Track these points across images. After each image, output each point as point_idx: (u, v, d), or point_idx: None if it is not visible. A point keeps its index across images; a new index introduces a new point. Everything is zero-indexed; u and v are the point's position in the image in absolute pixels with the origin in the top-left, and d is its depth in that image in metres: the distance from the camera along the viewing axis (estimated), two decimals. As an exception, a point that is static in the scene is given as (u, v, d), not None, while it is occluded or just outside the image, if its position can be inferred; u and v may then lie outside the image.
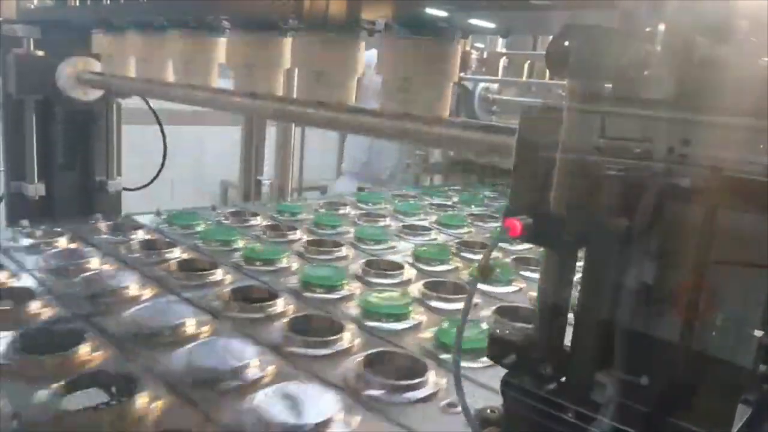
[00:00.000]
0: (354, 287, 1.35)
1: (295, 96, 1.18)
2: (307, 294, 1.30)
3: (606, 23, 0.61)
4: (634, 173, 0.60)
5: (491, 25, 1.09)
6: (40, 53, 1.78)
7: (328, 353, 1.04)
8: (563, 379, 0.65)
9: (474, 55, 3.01)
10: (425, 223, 1.98)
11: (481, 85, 2.83)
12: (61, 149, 1.89)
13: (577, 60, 0.57)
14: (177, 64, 1.43)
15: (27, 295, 1.18)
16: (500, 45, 3.05)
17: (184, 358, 0.97)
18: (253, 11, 1.16)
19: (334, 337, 1.07)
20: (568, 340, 0.66)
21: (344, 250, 1.61)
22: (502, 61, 2.81)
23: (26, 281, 1.26)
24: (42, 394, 0.85)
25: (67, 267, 1.34)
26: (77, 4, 1.62)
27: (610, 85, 0.62)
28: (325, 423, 0.81)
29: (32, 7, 1.77)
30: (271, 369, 0.97)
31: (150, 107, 2.07)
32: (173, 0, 1.35)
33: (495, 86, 2.89)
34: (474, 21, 1.09)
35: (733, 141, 0.59)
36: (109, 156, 1.95)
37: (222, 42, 1.33)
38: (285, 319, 1.13)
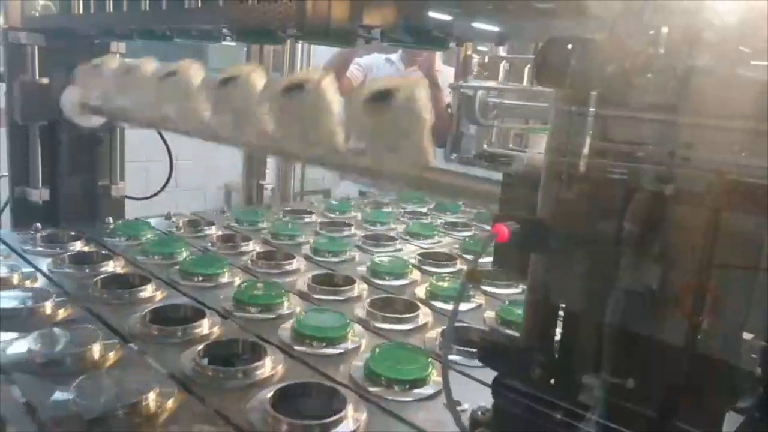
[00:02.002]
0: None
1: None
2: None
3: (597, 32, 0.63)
4: (621, 177, 0.62)
5: (493, 29, 1.10)
6: (45, 80, 1.80)
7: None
8: (552, 381, 0.66)
9: (476, 59, 3.02)
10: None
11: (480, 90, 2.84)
12: (65, 154, 1.91)
13: (563, 70, 0.59)
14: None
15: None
16: (502, 48, 3.06)
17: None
18: (255, 16, 1.17)
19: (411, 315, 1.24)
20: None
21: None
22: (503, 66, 2.82)
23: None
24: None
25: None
26: (81, 12, 1.64)
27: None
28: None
29: (36, 14, 1.79)
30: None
31: (163, 138, 2.08)
32: (175, 8, 1.36)
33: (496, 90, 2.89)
34: (471, 28, 1.11)
35: (722, 145, 0.61)
36: (112, 161, 1.97)
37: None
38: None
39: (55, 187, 1.89)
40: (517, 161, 0.68)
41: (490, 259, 0.71)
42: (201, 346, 1.03)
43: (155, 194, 2.14)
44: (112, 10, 1.51)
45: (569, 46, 0.58)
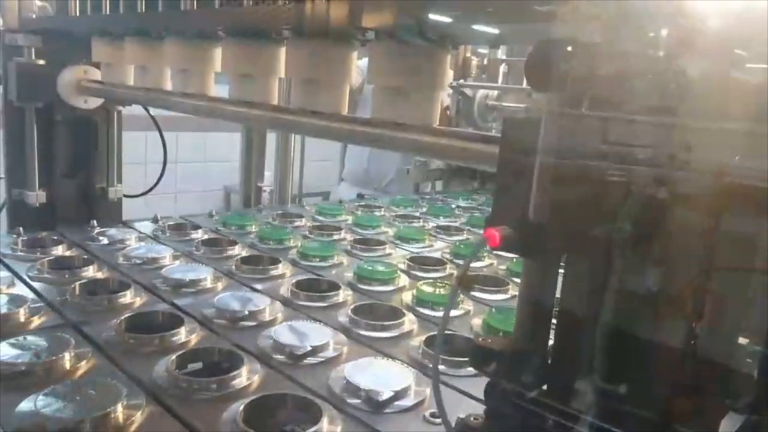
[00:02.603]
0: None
1: (289, 104, 1.20)
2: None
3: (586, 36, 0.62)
4: (615, 180, 0.61)
5: (491, 31, 1.10)
6: (41, 62, 1.79)
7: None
8: (545, 386, 0.66)
9: (474, 61, 3.02)
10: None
11: (481, 91, 2.84)
12: (62, 157, 1.90)
13: (556, 74, 0.58)
14: (174, 73, 1.45)
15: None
16: (501, 51, 3.06)
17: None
18: (253, 18, 1.17)
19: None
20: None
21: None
22: (502, 68, 2.82)
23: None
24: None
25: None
26: (78, 13, 1.64)
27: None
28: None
29: (33, 16, 1.79)
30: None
31: (150, 115, 2.08)
32: (172, 9, 1.36)
33: (494, 93, 2.89)
34: (469, 30, 1.10)
35: (720, 147, 0.60)
36: (110, 163, 1.96)
37: (219, 50, 1.35)
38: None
39: (51, 189, 1.88)
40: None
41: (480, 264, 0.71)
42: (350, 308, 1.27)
43: (149, 190, 2.13)
44: (108, 12, 1.51)
45: (559, 48, 0.58)
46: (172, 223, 1.90)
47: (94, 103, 1.86)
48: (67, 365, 0.99)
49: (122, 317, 1.15)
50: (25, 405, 0.86)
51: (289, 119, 1.20)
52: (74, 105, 1.83)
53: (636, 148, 0.59)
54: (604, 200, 0.61)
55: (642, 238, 0.61)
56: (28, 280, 1.36)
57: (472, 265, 1.67)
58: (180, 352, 1.04)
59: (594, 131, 0.61)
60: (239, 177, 2.64)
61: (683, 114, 0.58)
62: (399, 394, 0.94)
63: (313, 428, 0.84)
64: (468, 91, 2.88)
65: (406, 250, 1.84)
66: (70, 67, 1.80)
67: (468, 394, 0.96)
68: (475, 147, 0.88)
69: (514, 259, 1.69)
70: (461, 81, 2.84)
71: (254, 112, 1.26)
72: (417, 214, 2.36)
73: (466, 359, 1.01)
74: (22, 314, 1.16)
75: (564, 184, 0.61)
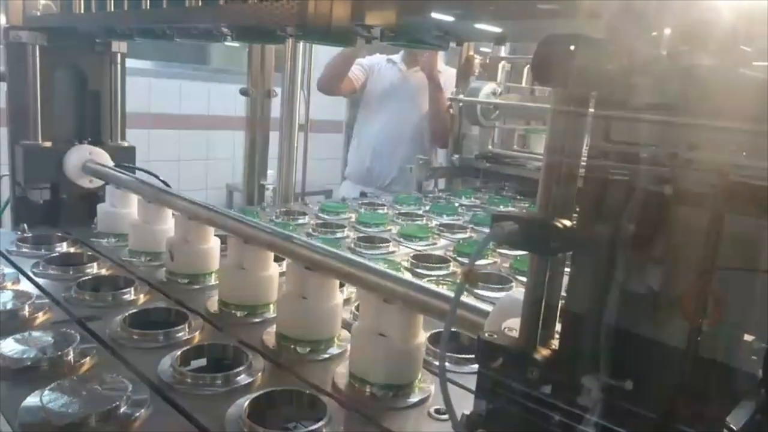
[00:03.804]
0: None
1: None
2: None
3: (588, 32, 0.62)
4: (620, 178, 0.61)
5: (494, 29, 1.10)
6: (48, 144, 1.81)
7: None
8: (551, 382, 0.66)
9: (477, 59, 3.02)
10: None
11: (483, 90, 2.84)
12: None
13: (562, 69, 0.58)
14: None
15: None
16: (503, 50, 3.06)
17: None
18: (257, 16, 1.17)
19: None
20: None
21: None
22: (502, 66, 2.83)
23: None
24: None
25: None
26: (82, 11, 1.65)
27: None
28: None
29: (38, 14, 1.79)
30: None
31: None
32: (176, 7, 1.36)
33: (498, 91, 2.89)
34: (472, 28, 1.10)
35: (724, 146, 0.60)
36: (113, 161, 1.96)
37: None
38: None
39: (55, 187, 1.88)
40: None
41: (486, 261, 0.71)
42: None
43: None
44: (113, 10, 1.51)
45: (567, 44, 0.58)
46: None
47: (99, 182, 1.85)
48: (72, 361, 1.00)
49: (127, 313, 1.16)
50: (31, 400, 0.87)
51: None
52: (80, 185, 1.84)
53: (644, 147, 0.59)
54: (611, 198, 0.61)
55: (649, 237, 0.61)
56: (32, 276, 1.37)
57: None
58: (184, 348, 1.04)
59: (600, 129, 0.61)
60: (242, 175, 2.64)
61: (692, 112, 0.58)
62: (404, 391, 0.94)
63: (318, 424, 0.85)
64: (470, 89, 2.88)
65: (409, 248, 1.85)
66: (76, 148, 1.82)
67: (473, 391, 0.95)
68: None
69: (518, 257, 1.69)
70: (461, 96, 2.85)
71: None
72: (420, 212, 2.37)
73: (471, 356, 1.02)
74: (26, 310, 1.17)
75: (570, 181, 0.61)
